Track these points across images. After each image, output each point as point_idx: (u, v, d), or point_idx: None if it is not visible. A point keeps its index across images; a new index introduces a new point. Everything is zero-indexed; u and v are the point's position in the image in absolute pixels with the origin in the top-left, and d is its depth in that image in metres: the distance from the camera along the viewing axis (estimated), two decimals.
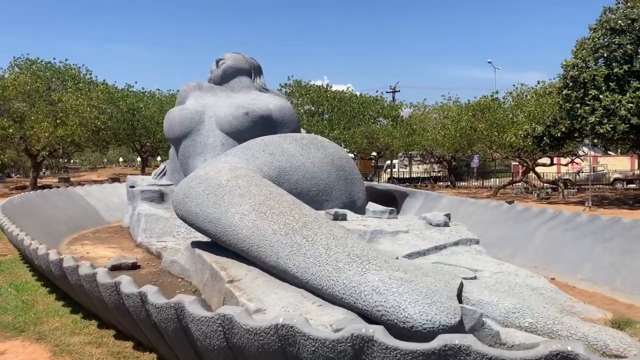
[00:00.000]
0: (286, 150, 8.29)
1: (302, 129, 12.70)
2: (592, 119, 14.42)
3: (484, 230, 9.22)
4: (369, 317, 3.16)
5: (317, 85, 26.02)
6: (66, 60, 25.49)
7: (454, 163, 40.56)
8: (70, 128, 20.36)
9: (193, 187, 6.00)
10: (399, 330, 2.94)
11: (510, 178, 30.15)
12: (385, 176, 39.17)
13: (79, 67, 26.17)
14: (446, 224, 7.33)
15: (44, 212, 11.84)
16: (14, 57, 25.82)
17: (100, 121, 21.16)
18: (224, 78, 12.01)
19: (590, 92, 14.72)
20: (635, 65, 14.40)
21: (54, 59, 24.83)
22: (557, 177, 27.27)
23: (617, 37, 14.97)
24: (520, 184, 26.36)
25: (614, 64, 14.87)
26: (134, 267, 7.77)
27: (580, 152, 24.68)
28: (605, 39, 15.26)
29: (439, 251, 6.57)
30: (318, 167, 8.41)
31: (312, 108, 26.08)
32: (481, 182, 34.72)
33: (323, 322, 3.23)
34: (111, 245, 10.27)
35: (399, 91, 48.02)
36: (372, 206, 8.22)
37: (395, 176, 38.25)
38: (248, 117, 10.67)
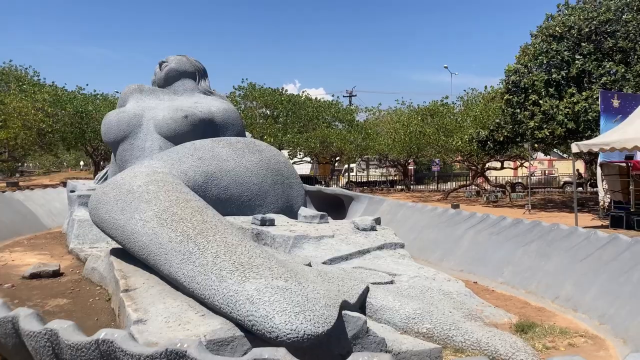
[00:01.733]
0: (217, 154, 8.13)
1: (248, 133, 12.51)
2: (531, 123, 14.74)
3: (417, 233, 9.28)
4: (245, 328, 3.07)
5: (271, 89, 25.91)
6: (10, 61, 24.75)
7: (414, 167, 41.11)
8: (13, 131, 19.64)
9: (106, 192, 5.80)
10: (267, 340, 2.86)
11: (467, 182, 30.62)
12: (343, 180, 39.36)
13: (26, 69, 25.40)
14: (373, 228, 7.32)
15: None
16: None
17: (46, 124, 20.49)
18: (167, 80, 11.67)
19: (530, 97, 15.04)
20: (572, 71, 14.81)
21: None
22: (509, 180, 27.82)
23: (555, 43, 15.37)
24: (471, 187, 26.79)
25: (552, 70, 15.26)
26: (55, 274, 7.47)
27: (536, 156, 25.21)
28: (544, 45, 15.64)
29: (362, 255, 6.55)
30: (251, 171, 8.28)
31: (267, 111, 25.92)
32: (437, 186, 35.16)
33: (199, 332, 3.12)
34: (42, 252, 9.88)
35: (356, 95, 48.32)
36: (304, 211, 8.15)
37: (353, 180, 38.48)
38: (187, 120, 10.37)
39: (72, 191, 11.29)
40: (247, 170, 8.22)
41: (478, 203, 22.12)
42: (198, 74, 11.82)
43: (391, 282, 5.56)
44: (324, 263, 6.08)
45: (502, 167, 26.93)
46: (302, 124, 25.21)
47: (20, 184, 34.60)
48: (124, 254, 5.86)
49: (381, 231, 7.34)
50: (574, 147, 10.86)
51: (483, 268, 7.00)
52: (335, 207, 13.95)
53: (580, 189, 30.83)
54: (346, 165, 38.24)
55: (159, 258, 4.12)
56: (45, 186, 25.44)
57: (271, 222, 7.07)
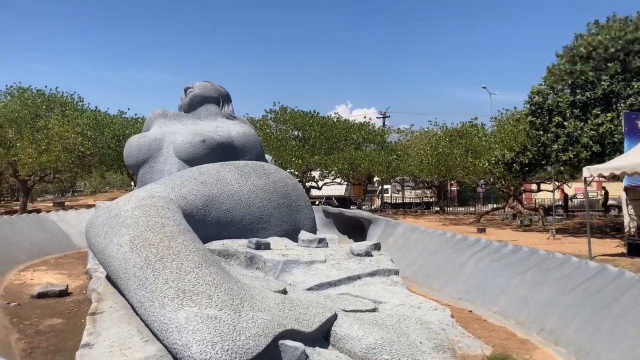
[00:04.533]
0: (222, 178, 8.25)
1: (269, 156, 12.63)
2: (555, 146, 14.32)
3: (425, 259, 9.11)
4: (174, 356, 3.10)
5: (302, 111, 26.20)
6: (57, 88, 26.01)
7: (457, 188, 40.45)
8: (55, 154, 20.55)
9: (98, 216, 5.98)
10: None
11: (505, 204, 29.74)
12: (377, 201, 39.11)
13: (72, 95, 26.58)
14: (368, 254, 7.23)
15: (5, 239, 11.72)
16: (6, 86, 26.32)
17: (85, 147, 21.35)
18: (192, 106, 11.88)
19: (554, 119, 14.63)
20: (597, 93, 14.34)
21: (45, 86, 25.17)
22: (542, 203, 26.91)
23: (580, 64, 14.95)
24: (507, 210, 26.08)
25: (577, 91, 14.82)
26: (61, 294, 7.73)
27: (587, 176, 24.06)
28: (568, 66, 15.24)
29: (351, 282, 6.47)
30: (255, 194, 8.35)
31: (299, 134, 26.19)
32: (475, 208, 34.28)
33: (134, 358, 3.17)
34: (63, 271, 10.22)
35: (389, 116, 48.19)
36: (303, 235, 8.13)
37: (388, 201, 38.18)
38: (205, 144, 10.50)
39: None
40: (251, 194, 8.28)
41: (509, 227, 21.51)
42: (222, 99, 12.02)
43: (373, 310, 5.47)
44: (310, 289, 6.05)
45: (538, 190, 26.18)
46: (331, 145, 25.31)
47: (67, 203, 36.00)
48: None
49: (377, 257, 7.23)
50: (585, 172, 10.48)
51: (481, 296, 6.81)
52: (359, 230, 13.92)
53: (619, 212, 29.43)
54: (380, 187, 38.00)
55: (123, 282, 4.21)
56: (89, 206, 26.42)
57: (266, 246, 7.09)
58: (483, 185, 30.50)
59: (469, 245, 8.24)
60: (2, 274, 9.45)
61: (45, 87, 25.53)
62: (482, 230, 17.85)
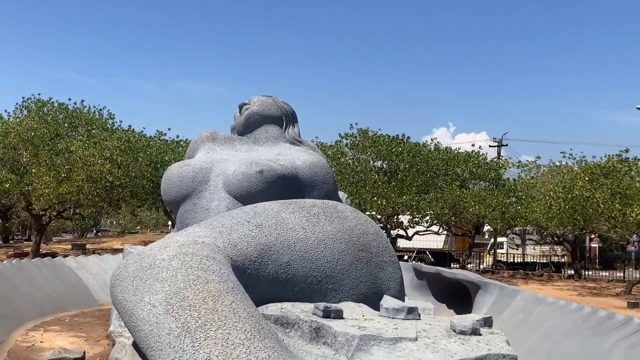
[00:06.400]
0: (282, 221, 8.33)
1: (343, 194, 12.67)
2: None
3: (554, 342, 8.84)
4: None
5: (388, 136, 26.22)
6: (82, 101, 27.40)
7: (599, 244, 38.99)
8: (76, 184, 21.57)
9: (127, 266, 6.21)
10: None
11: None
12: (488, 259, 38.19)
13: (100, 110, 28.00)
14: (475, 332, 7.05)
15: (13, 289, 12.31)
16: (23, 98, 27.47)
17: (114, 176, 22.28)
18: (247, 127, 11.92)
19: None
20: None
21: (70, 99, 26.59)
22: None
23: None
24: None
25: None
26: None
27: None
28: None
29: None
30: (325, 244, 8.36)
31: (384, 165, 26.26)
32: (623, 273, 32.73)
33: None
34: (79, 333, 10.63)
35: (506, 145, 47.25)
36: (387, 301, 8.04)
37: (503, 259, 37.23)
38: (262, 176, 10.41)
39: None
40: (320, 243, 8.31)
41: None
42: (285, 119, 12.07)
43: None
44: None
45: None
46: (426, 181, 25.17)
47: (88, 246, 37.78)
48: None
49: (487, 336, 7.04)
50: None
51: None
52: (463, 297, 13.66)
53: None
54: (492, 239, 37.19)
55: (154, 353, 4.35)
56: (116, 251, 27.44)
57: (337, 314, 7.07)
58: (636, 243, 29.28)
59: (616, 327, 7.93)
60: (7, 333, 9.94)
61: (69, 99, 27.08)
62: (634, 305, 17.29)
